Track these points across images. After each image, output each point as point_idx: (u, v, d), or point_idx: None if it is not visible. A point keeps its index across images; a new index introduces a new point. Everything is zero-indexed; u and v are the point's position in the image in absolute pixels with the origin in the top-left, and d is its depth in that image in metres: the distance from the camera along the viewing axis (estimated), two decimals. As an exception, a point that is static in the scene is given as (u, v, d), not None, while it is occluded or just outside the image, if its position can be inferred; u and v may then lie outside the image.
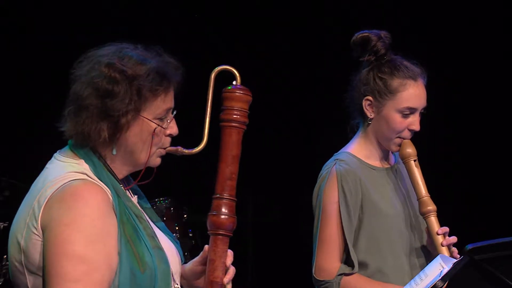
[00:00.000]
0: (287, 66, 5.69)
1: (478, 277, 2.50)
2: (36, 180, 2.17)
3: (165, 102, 2.18)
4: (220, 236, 2.18)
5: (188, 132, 2.30)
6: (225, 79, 2.26)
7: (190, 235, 5.60)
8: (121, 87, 2.11)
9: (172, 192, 5.35)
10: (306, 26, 5.67)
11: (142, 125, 2.15)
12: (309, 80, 5.77)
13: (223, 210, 2.18)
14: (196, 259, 2.32)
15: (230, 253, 2.22)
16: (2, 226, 4.83)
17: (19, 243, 2.08)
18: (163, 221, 2.56)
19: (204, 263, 2.26)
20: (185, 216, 5.61)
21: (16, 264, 2.10)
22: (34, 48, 5.32)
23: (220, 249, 2.18)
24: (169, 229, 2.37)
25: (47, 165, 2.19)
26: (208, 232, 2.21)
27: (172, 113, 2.22)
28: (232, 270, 2.22)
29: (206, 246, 2.23)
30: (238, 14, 5.66)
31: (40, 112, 5.23)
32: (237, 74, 2.25)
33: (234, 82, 2.24)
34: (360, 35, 2.99)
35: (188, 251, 5.45)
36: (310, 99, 5.74)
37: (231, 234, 2.20)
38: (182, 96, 2.23)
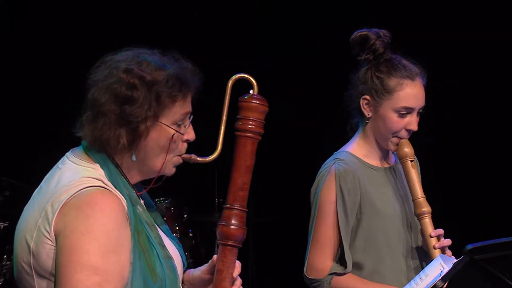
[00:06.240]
0: (287, 66, 5.68)
1: (478, 277, 2.51)
2: (47, 179, 2.14)
3: (183, 107, 2.15)
4: (229, 247, 2.18)
5: (198, 139, 2.26)
6: (240, 86, 2.22)
7: (190, 235, 5.60)
8: (140, 93, 2.08)
9: (172, 192, 5.34)
10: (305, 26, 5.67)
11: (160, 131, 2.13)
12: (309, 79, 5.77)
13: (233, 221, 2.17)
14: (205, 267, 2.32)
15: (238, 264, 2.22)
16: (2, 226, 4.82)
17: (28, 245, 2.06)
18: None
19: (212, 272, 2.26)
20: (185, 216, 5.62)
21: (24, 265, 2.08)
22: (32, 48, 5.32)
23: (228, 260, 2.18)
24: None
25: (59, 165, 2.15)
26: (217, 242, 2.20)
27: (189, 118, 2.20)
28: (239, 282, 2.22)
29: (215, 256, 2.23)
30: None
31: (41, 112, 5.24)
32: (255, 83, 2.21)
33: (251, 91, 2.21)
34: (359, 33, 2.98)
35: (188, 251, 5.45)
36: (310, 98, 5.74)
37: (240, 245, 2.19)
38: (195, 102, 2.20)
